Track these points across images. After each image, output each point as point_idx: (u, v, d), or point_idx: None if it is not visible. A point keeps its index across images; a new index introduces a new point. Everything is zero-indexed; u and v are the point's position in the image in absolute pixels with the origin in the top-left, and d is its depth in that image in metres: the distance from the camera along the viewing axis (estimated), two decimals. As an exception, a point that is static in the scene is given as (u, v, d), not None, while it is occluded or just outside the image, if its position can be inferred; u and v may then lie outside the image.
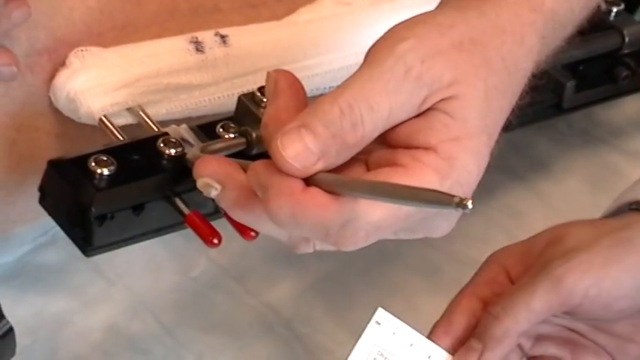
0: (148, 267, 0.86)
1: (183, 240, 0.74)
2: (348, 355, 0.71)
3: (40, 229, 0.85)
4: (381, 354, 0.72)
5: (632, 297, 0.74)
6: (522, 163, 0.96)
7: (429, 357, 0.72)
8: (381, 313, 0.72)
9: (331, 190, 0.60)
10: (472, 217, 0.91)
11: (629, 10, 0.92)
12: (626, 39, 0.91)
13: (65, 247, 0.72)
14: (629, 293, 0.74)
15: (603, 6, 0.90)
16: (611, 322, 0.74)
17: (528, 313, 0.72)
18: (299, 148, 0.59)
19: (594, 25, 0.88)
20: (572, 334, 0.75)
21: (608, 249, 0.74)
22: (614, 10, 0.91)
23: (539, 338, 0.74)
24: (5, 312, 0.72)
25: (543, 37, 0.68)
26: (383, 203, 0.60)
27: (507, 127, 0.68)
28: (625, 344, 0.74)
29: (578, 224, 0.77)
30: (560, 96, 0.90)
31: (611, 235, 0.75)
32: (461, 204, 0.54)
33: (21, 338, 0.75)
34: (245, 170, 0.62)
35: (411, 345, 0.72)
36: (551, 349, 0.75)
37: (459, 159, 0.62)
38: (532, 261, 0.75)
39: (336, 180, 0.60)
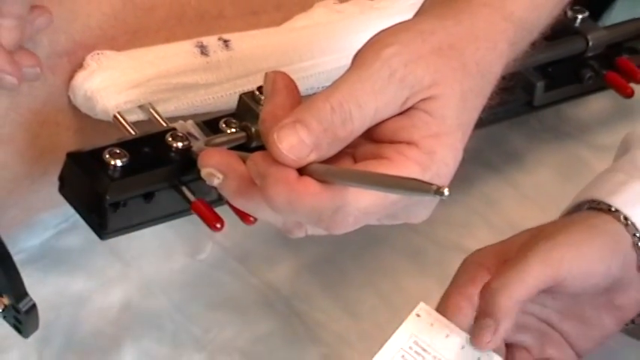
0: (159, 250, 0.86)
1: (192, 225, 0.74)
2: (384, 343, 0.70)
3: (62, 216, 0.85)
4: (417, 342, 0.71)
5: (602, 273, 0.73)
6: (498, 156, 0.96)
7: (462, 349, 0.71)
8: (422, 307, 0.71)
9: (323, 180, 0.60)
10: (452, 205, 0.91)
11: (593, 17, 0.92)
12: (590, 43, 0.91)
13: (85, 232, 0.71)
14: (599, 269, 0.73)
15: (570, 13, 0.90)
16: (581, 303, 0.73)
17: (525, 285, 0.71)
18: (294, 141, 0.60)
19: (561, 31, 0.88)
20: (542, 325, 0.75)
21: (579, 233, 0.74)
22: (580, 17, 0.91)
23: (517, 327, 0.73)
24: (31, 291, 0.71)
25: (513, 44, 0.68)
26: (370, 191, 0.61)
27: (478, 124, 0.67)
28: (588, 329, 0.74)
29: (548, 224, 0.76)
30: (532, 95, 0.90)
31: (579, 224, 0.75)
32: (439, 191, 0.54)
33: (45, 314, 0.75)
34: (245, 161, 0.61)
35: (446, 337, 0.71)
36: (525, 339, 0.75)
37: (438, 153, 0.63)
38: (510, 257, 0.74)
39: (328, 170, 0.60)
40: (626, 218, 0.75)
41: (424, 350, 0.71)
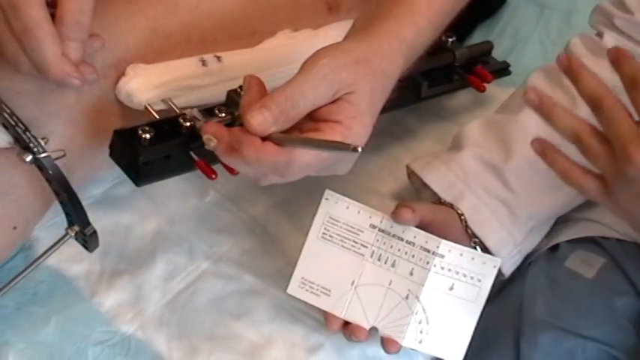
0: (180, 195, 0.85)
1: (200, 179, 0.73)
2: (311, 223, 0.73)
3: (116, 174, 0.84)
4: (330, 217, 0.72)
5: (451, 227, 0.76)
6: (399, 131, 0.95)
7: (359, 213, 0.72)
8: (327, 193, 0.73)
9: (279, 144, 0.60)
10: (370, 163, 0.91)
11: (459, 40, 0.91)
12: (457, 57, 0.90)
13: (131, 185, 0.71)
14: (450, 222, 0.77)
15: (444, 37, 0.89)
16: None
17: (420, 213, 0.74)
18: (260, 119, 0.60)
19: (438, 49, 0.88)
20: None
21: (443, 208, 0.78)
22: (450, 40, 0.90)
23: None
24: (95, 222, 0.71)
25: (406, 58, 0.68)
26: (310, 150, 0.61)
27: (386, 110, 0.68)
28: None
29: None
30: (419, 90, 0.89)
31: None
32: (355, 149, 0.57)
33: (105, 237, 0.75)
34: None
35: (347, 208, 0.72)
36: None
37: (354, 128, 0.63)
38: None
39: (283, 137, 0.61)
40: (451, 205, 0.77)
41: (336, 221, 0.72)
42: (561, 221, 0.83)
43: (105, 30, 0.70)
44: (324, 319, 0.74)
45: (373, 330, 0.73)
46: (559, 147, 0.78)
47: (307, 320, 0.77)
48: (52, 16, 0.63)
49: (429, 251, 0.72)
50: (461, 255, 0.72)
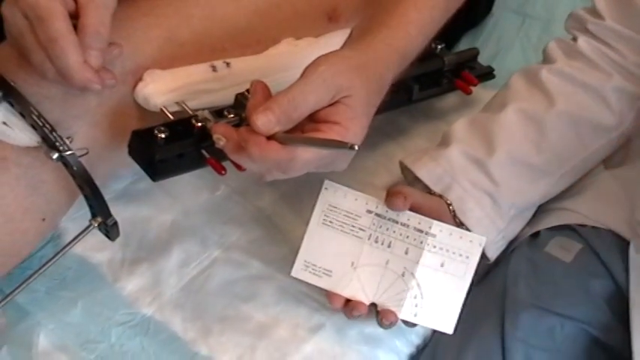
0: (193, 189, 0.86)
1: (211, 174, 0.73)
2: (312, 211, 0.72)
3: (135, 171, 0.83)
4: (330, 205, 0.72)
5: (438, 212, 0.76)
6: (393, 130, 0.95)
7: (356, 200, 0.72)
8: (327, 183, 0.73)
9: (282, 142, 0.60)
10: (366, 160, 0.91)
11: (448, 47, 0.91)
12: (446, 62, 0.90)
13: (149, 180, 0.71)
14: (441, 209, 0.76)
15: (433, 45, 0.89)
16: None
17: (412, 197, 0.74)
18: (265, 120, 0.60)
19: (428, 55, 0.88)
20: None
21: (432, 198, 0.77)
22: (439, 47, 0.90)
23: None
24: (117, 215, 0.71)
25: (398, 65, 0.69)
26: (311, 149, 0.61)
27: (378, 112, 0.68)
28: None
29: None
30: (411, 93, 0.89)
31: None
32: (352, 147, 0.57)
33: (125, 228, 0.76)
34: None
35: (345, 196, 0.72)
36: None
37: (351, 129, 0.63)
38: None
39: (285, 136, 0.61)
40: (441, 195, 0.77)
41: (335, 207, 0.72)
42: (541, 211, 0.84)
43: (124, 40, 0.70)
44: (327, 298, 0.74)
45: (371, 310, 0.74)
46: (539, 143, 0.79)
47: (310, 302, 0.78)
48: (75, 27, 0.64)
49: (422, 231, 0.73)
50: (450, 234, 0.73)
